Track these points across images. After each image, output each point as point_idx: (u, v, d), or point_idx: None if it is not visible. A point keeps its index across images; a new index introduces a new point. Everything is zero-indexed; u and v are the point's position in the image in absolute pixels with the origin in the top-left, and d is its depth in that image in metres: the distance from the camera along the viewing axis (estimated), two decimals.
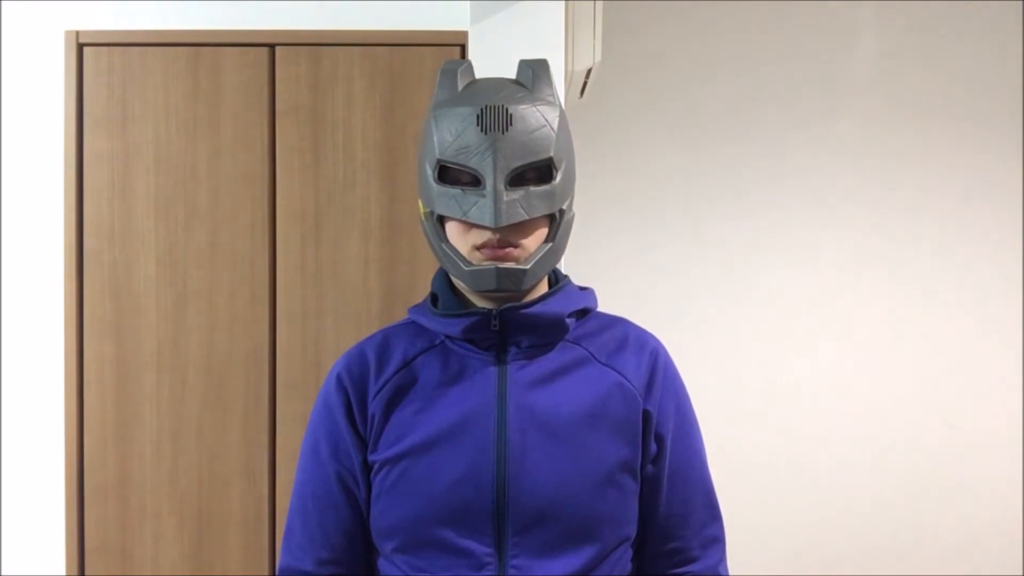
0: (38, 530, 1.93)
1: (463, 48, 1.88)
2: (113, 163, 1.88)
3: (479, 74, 1.15)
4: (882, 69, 2.83)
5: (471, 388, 1.03)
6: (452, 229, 1.03)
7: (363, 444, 1.06)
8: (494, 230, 0.98)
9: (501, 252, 1.00)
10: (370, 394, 1.06)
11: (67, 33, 1.87)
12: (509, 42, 1.78)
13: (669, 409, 1.08)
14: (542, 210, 1.01)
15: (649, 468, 1.06)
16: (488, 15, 1.79)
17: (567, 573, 0.99)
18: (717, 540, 1.11)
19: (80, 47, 1.88)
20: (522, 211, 0.99)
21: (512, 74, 1.09)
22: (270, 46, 1.89)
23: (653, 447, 1.06)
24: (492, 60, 1.76)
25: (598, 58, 1.97)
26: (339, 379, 1.08)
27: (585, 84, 2.20)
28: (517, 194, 0.98)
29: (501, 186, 0.97)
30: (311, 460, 1.09)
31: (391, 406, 1.04)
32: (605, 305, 1.15)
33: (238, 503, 1.87)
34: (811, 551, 2.82)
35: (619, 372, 1.06)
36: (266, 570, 1.87)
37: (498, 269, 0.99)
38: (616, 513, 1.03)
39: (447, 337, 1.07)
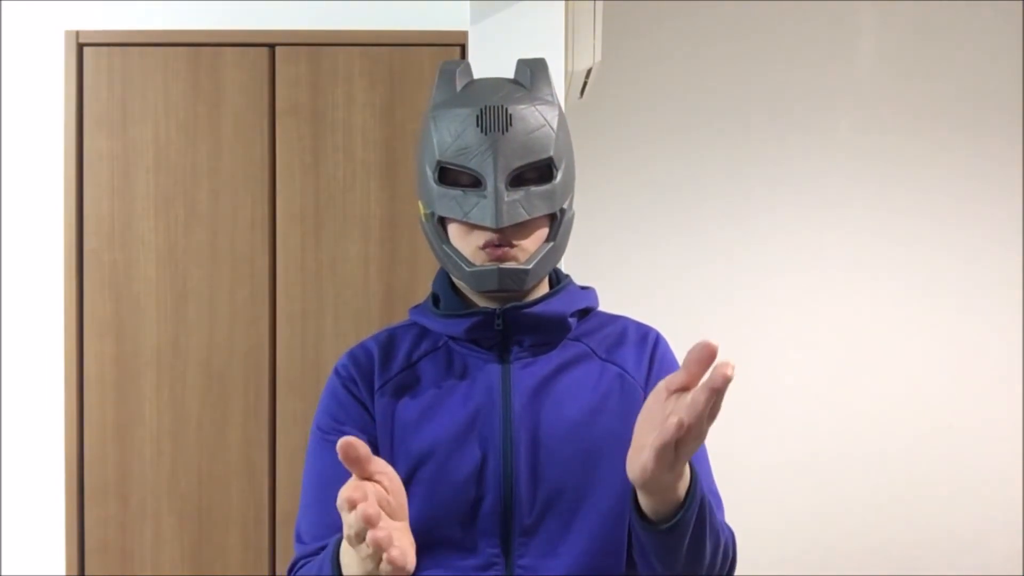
0: (38, 530, 1.93)
1: (463, 48, 1.88)
2: (113, 163, 1.88)
3: (479, 74, 1.15)
4: (882, 69, 2.83)
5: (475, 388, 1.03)
6: (453, 230, 1.03)
7: (372, 420, 1.04)
8: (495, 231, 0.98)
9: (502, 252, 1.00)
10: (375, 385, 1.05)
11: (67, 33, 1.87)
12: (509, 42, 1.78)
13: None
14: (543, 210, 1.01)
15: None
16: (488, 15, 1.78)
17: (573, 572, 0.99)
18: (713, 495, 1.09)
19: (80, 47, 1.88)
20: (523, 211, 0.99)
21: (512, 74, 1.09)
22: (270, 46, 1.89)
23: None
24: (492, 60, 1.76)
25: (598, 58, 1.97)
26: (345, 368, 1.07)
27: (585, 84, 2.20)
28: (518, 194, 0.98)
29: (502, 186, 0.97)
30: (318, 446, 1.05)
31: (395, 405, 1.04)
32: (605, 305, 1.15)
33: (238, 503, 1.88)
34: (811, 551, 2.82)
35: (619, 366, 1.06)
36: (266, 570, 1.87)
37: (500, 269, 0.99)
38: (620, 509, 1.03)
39: (450, 338, 1.07)
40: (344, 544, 0.86)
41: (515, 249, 1.00)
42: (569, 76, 1.93)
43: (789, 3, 2.81)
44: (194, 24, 1.92)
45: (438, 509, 0.99)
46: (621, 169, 2.80)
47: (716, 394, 0.72)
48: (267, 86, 1.88)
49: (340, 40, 1.88)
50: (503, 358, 1.04)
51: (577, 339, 1.08)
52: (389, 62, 1.88)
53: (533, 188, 1.00)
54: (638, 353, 1.08)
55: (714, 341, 0.76)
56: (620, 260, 2.80)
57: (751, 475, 2.79)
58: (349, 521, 0.72)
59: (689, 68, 2.81)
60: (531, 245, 1.02)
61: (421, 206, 1.07)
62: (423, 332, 1.09)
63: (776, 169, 2.82)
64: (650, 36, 2.80)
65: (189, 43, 1.88)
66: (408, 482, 1.00)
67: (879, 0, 2.82)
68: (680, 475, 0.82)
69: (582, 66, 1.96)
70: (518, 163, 0.98)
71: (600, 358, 1.07)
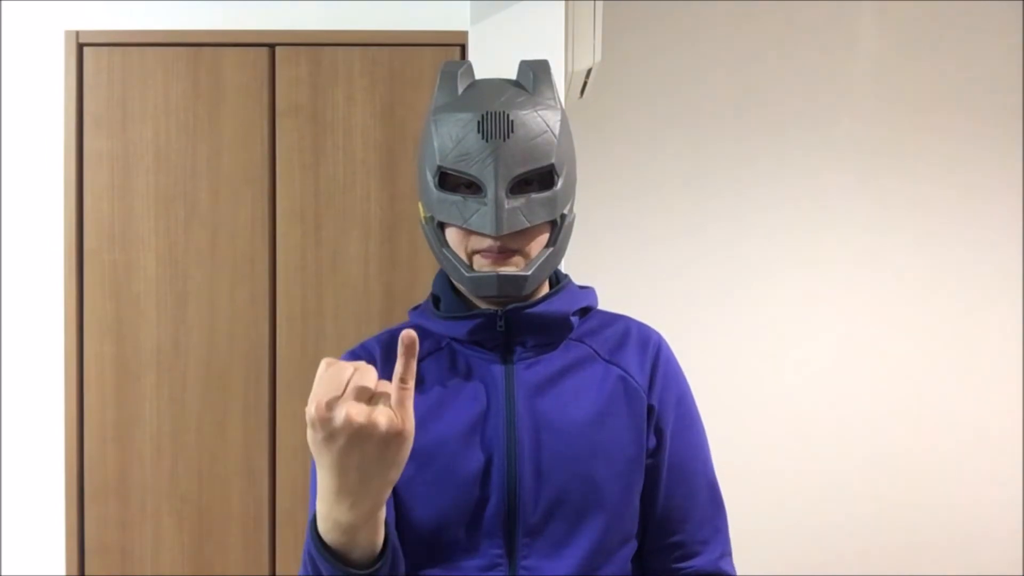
0: (38, 530, 1.93)
1: (463, 48, 1.88)
2: (113, 163, 1.88)
3: (479, 74, 1.14)
4: (882, 68, 2.83)
5: (479, 389, 1.03)
6: (453, 235, 1.02)
7: None
8: (495, 238, 0.98)
9: (502, 258, 1.00)
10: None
11: (67, 33, 1.87)
12: (509, 42, 1.78)
13: (670, 403, 1.08)
14: (543, 217, 1.00)
15: (648, 461, 1.06)
16: (488, 15, 1.78)
17: (575, 573, 0.99)
18: (719, 532, 1.10)
19: (80, 47, 1.87)
20: (523, 219, 0.98)
21: (512, 74, 1.09)
22: (270, 46, 1.88)
23: (652, 440, 1.06)
24: (492, 60, 1.76)
25: (598, 58, 1.97)
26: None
27: (585, 84, 2.20)
28: (518, 201, 0.98)
29: (502, 194, 0.97)
30: None
31: None
32: (605, 304, 1.16)
33: (238, 503, 1.88)
34: (811, 551, 2.82)
35: (623, 368, 1.06)
36: (266, 570, 1.88)
37: (499, 276, 0.99)
38: (623, 510, 1.03)
39: (452, 339, 1.07)
40: (321, 487, 0.81)
41: (515, 255, 1.00)
42: (569, 76, 1.93)
43: (789, 2, 2.81)
44: (194, 24, 1.92)
45: (443, 510, 0.99)
46: (621, 169, 2.80)
47: None
48: (267, 86, 1.88)
49: (340, 40, 1.88)
50: (506, 359, 1.04)
51: (580, 340, 1.08)
52: (389, 62, 1.87)
53: (534, 195, 0.99)
54: (640, 357, 1.08)
55: None
56: (620, 259, 2.80)
57: (749, 474, 2.79)
58: (322, 415, 0.74)
59: (689, 67, 2.81)
60: (531, 251, 1.01)
61: (421, 208, 1.07)
62: (424, 333, 1.09)
63: (776, 168, 2.82)
64: (650, 36, 2.80)
65: (189, 43, 1.88)
66: (412, 482, 1.00)
67: (879, 0, 2.82)
68: None
69: (582, 66, 1.95)
70: (519, 170, 0.98)
71: (603, 359, 1.07)
